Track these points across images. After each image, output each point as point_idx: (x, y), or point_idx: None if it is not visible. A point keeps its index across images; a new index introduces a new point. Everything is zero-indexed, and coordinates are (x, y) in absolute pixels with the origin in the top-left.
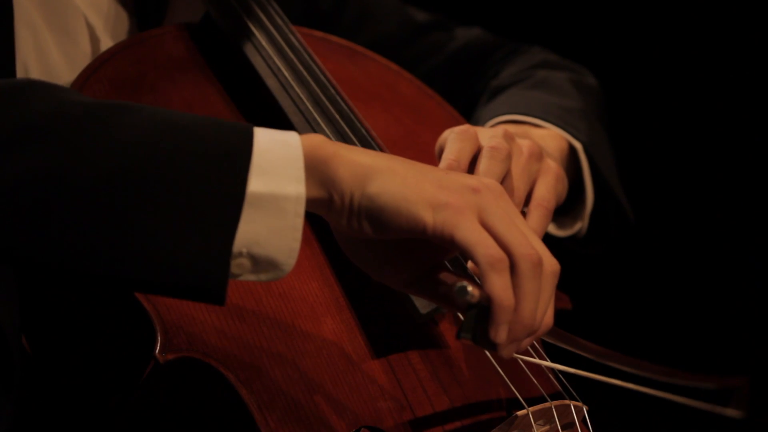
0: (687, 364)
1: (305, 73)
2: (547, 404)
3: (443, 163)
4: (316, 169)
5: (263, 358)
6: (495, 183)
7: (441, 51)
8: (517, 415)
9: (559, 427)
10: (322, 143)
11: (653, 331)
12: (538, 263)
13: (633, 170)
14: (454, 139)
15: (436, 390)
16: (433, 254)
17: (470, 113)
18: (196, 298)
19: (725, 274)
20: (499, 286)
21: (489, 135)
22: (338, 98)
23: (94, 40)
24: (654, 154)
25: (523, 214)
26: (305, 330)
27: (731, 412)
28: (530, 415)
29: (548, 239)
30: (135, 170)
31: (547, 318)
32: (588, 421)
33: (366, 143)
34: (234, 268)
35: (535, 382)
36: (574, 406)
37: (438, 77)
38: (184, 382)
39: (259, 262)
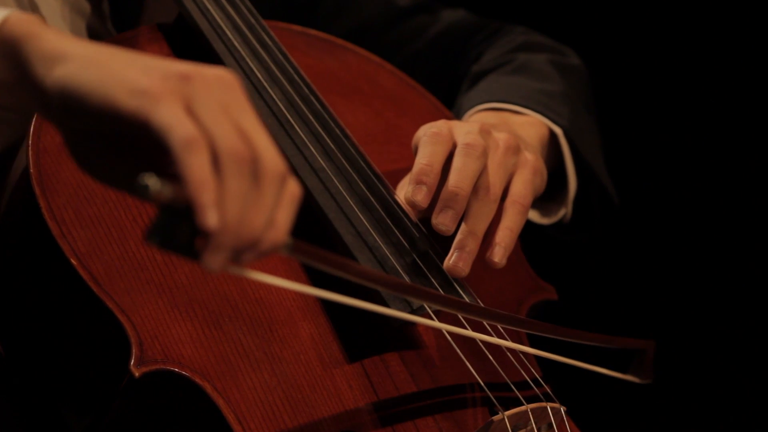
0: (677, 355)
1: (278, 73)
2: (522, 408)
3: (415, 168)
4: (12, 48)
5: (240, 366)
6: (223, 74)
7: (423, 35)
8: (492, 420)
9: (535, 430)
10: (31, 22)
11: (642, 321)
12: (247, 159)
13: (621, 154)
14: (426, 142)
15: (413, 394)
16: (153, 153)
17: (453, 97)
18: None
19: (714, 261)
20: (194, 168)
21: (464, 131)
22: (312, 98)
23: None
24: (642, 138)
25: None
26: (282, 336)
27: (631, 377)
28: (506, 420)
29: (535, 228)
30: None
31: (276, 231)
32: (566, 421)
33: (340, 143)
34: None
35: (512, 385)
36: (551, 408)
37: (420, 61)
38: (160, 393)
39: None
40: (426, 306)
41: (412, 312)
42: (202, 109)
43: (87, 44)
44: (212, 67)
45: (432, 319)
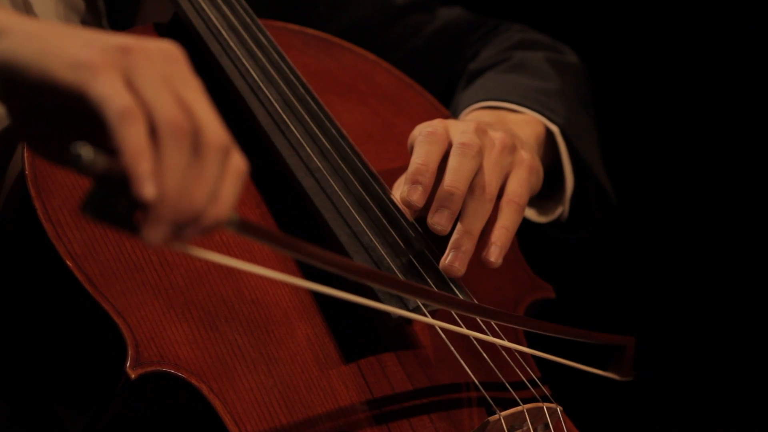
0: (675, 354)
1: (274, 73)
2: (519, 408)
3: (411, 167)
4: None
5: (237, 367)
6: (166, 46)
7: (420, 33)
8: (488, 421)
9: (531, 431)
10: None
11: (640, 319)
12: (186, 131)
13: (619, 152)
14: (422, 142)
15: (409, 394)
16: (95, 128)
17: (451, 95)
18: None
19: (712, 259)
20: (129, 139)
21: (460, 130)
22: (308, 98)
23: None
24: (639, 136)
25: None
26: (278, 336)
27: (611, 374)
28: (502, 420)
29: (531, 226)
30: None
31: (219, 206)
32: (563, 420)
33: (336, 143)
34: None
35: (508, 385)
36: (547, 408)
37: (417, 59)
38: (157, 394)
39: None
40: (420, 304)
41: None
42: (142, 81)
43: (29, 19)
44: (156, 40)
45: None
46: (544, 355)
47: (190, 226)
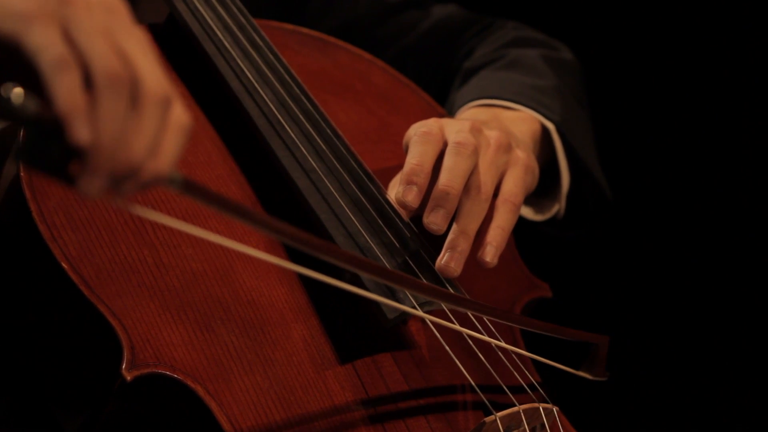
0: (673, 354)
1: (269, 73)
2: (515, 409)
3: (406, 168)
4: None
5: (233, 368)
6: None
7: (414, 30)
8: (485, 422)
9: (528, 431)
10: None
11: (638, 317)
12: (124, 80)
13: (615, 149)
14: (417, 142)
15: (405, 394)
16: (35, 82)
17: (446, 93)
18: None
19: (710, 257)
20: (63, 87)
21: (455, 129)
22: (303, 98)
23: None
24: (636, 133)
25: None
26: (274, 337)
27: (583, 373)
28: (498, 421)
29: (527, 225)
30: None
31: (159, 160)
32: (559, 420)
33: (331, 143)
34: None
35: (504, 387)
36: (544, 409)
37: (411, 57)
38: (153, 396)
39: None
40: (409, 296)
41: (404, 312)
42: (79, 32)
43: None
44: None
45: (420, 316)
46: (521, 351)
47: (128, 180)
